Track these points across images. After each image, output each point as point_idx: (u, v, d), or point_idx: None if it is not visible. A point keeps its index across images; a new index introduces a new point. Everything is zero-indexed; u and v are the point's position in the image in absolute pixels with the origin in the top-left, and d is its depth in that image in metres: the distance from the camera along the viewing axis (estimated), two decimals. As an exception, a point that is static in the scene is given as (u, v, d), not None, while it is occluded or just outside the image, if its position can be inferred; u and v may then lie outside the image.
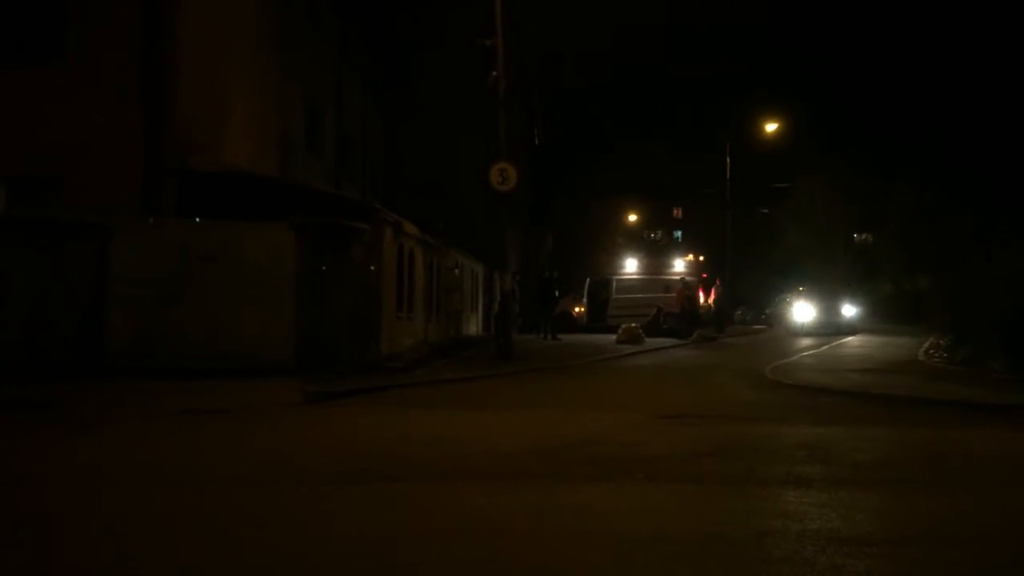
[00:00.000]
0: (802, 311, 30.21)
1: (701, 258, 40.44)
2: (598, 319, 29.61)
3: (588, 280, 32.18)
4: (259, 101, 17.17)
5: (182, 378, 11.10)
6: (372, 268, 13.42)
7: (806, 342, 24.51)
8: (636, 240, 52.71)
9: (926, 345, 18.84)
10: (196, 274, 12.34)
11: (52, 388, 10.05)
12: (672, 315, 26.14)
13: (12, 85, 13.36)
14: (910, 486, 5.56)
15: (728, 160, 37.01)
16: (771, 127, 39.20)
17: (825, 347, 21.98)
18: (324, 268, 12.80)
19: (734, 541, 4.08)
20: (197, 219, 13.03)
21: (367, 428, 8.10)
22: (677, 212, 67.20)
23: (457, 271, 21.35)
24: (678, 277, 29.50)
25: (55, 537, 4.27)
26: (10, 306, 11.38)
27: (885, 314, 40.34)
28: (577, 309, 31.12)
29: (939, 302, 21.61)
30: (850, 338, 26.05)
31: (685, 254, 36.82)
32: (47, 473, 5.84)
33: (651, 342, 22.48)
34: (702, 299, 30.00)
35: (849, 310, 30.37)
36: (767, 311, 43.60)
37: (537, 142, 38.55)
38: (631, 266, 32.74)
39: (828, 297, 30.84)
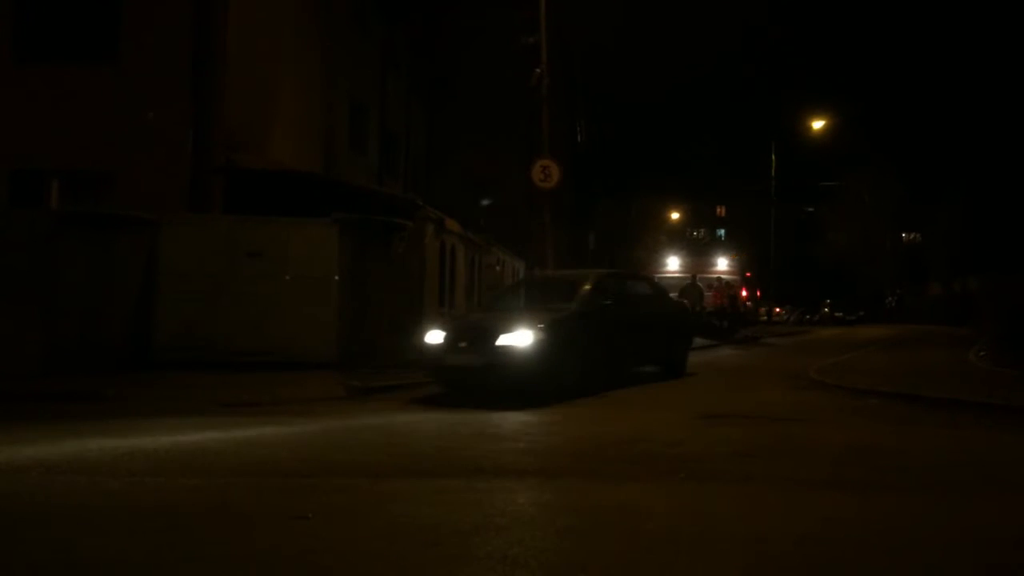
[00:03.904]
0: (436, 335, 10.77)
1: (745, 256, 39.96)
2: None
3: (629, 278, 31.98)
4: (304, 99, 17.38)
5: (227, 371, 11.29)
6: (414, 264, 13.51)
7: None
8: (679, 238, 52.28)
9: (976, 347, 18.41)
10: (242, 269, 12.54)
11: (100, 380, 10.29)
12: (712, 314, 25.91)
13: (66, 82, 13.71)
14: (959, 490, 5.44)
15: (773, 158, 36.54)
16: (818, 124, 38.64)
17: None
18: (367, 264, 12.92)
19: (777, 544, 4.03)
20: (243, 215, 13.24)
21: (407, 424, 8.15)
22: (720, 211, 66.62)
23: (499, 268, 21.38)
24: (719, 275, 29.20)
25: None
26: (63, 299, 11.66)
27: (936, 315, 39.49)
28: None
29: (990, 304, 21.10)
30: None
31: (728, 253, 36.41)
32: (87, 463, 5.98)
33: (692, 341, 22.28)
34: (744, 298, 29.67)
35: (522, 337, 9.85)
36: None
37: (580, 139, 38.43)
38: (673, 264, 32.52)
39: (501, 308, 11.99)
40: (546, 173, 16.24)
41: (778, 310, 38.25)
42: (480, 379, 9.92)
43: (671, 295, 24.20)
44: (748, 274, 33.52)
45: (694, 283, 25.88)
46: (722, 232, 65.79)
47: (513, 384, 9.74)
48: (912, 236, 54.73)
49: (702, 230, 65.15)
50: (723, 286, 27.33)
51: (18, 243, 11.58)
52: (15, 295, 11.38)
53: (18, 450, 6.38)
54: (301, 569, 3.67)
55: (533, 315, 10.33)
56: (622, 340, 11.61)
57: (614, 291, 11.88)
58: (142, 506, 4.77)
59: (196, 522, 4.41)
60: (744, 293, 30.46)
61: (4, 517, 4.54)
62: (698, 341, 22.58)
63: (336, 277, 12.67)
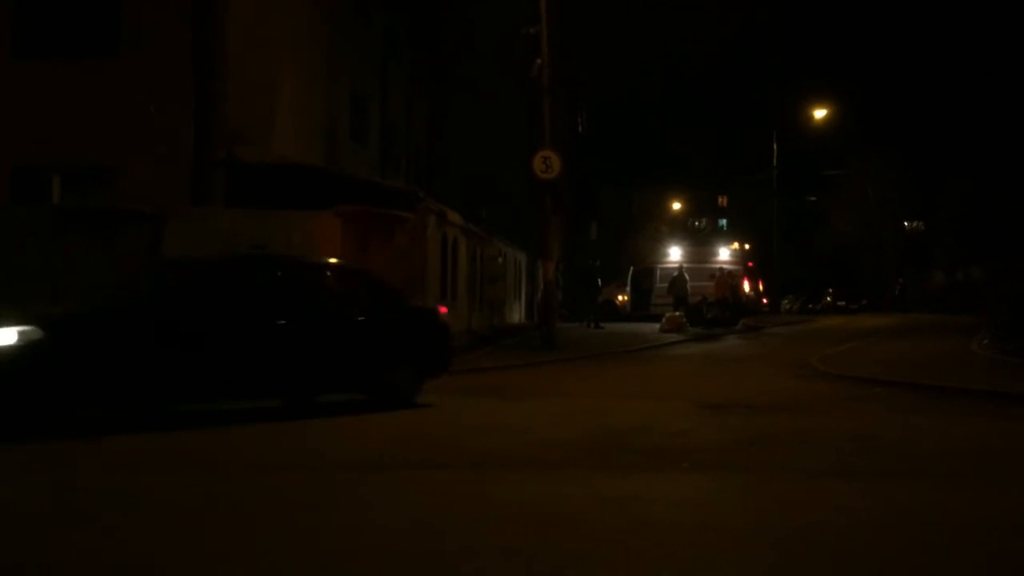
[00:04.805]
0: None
1: (747, 246, 39.96)
2: (642, 308, 29.46)
3: (632, 269, 32.01)
4: (306, 93, 17.34)
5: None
6: (417, 256, 13.52)
7: None
8: (680, 228, 52.22)
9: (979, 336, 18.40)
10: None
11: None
12: (715, 304, 25.91)
13: (67, 78, 13.69)
14: (961, 479, 5.45)
15: (775, 147, 36.46)
16: (820, 113, 38.54)
17: None
18: (369, 256, 12.90)
19: (780, 533, 4.04)
20: (246, 209, 13.24)
21: (410, 416, 8.17)
22: (722, 200, 66.51)
23: (500, 259, 21.39)
24: (720, 265, 29.17)
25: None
26: (65, 295, 11.66)
27: (939, 304, 39.45)
28: (621, 298, 30.98)
29: (993, 293, 21.08)
30: None
31: (730, 242, 36.37)
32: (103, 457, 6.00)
33: (695, 331, 22.31)
34: (747, 288, 29.64)
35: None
36: None
37: (581, 130, 38.37)
38: (675, 254, 32.49)
39: None
40: (547, 164, 16.21)
41: (765, 301, 36.61)
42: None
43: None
44: (750, 264, 33.47)
45: (681, 274, 25.87)
46: (724, 222, 65.70)
47: None
48: (915, 224, 54.60)
49: (704, 220, 65.06)
50: (725, 276, 27.28)
51: (20, 239, 11.59)
52: (17, 291, 11.38)
53: (18, 445, 6.41)
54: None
55: (33, 306, 7.46)
56: (266, 354, 7.81)
57: (257, 282, 8.10)
58: (140, 504, 4.78)
59: (194, 521, 4.42)
60: (746, 283, 30.43)
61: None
62: (700, 332, 22.62)
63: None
